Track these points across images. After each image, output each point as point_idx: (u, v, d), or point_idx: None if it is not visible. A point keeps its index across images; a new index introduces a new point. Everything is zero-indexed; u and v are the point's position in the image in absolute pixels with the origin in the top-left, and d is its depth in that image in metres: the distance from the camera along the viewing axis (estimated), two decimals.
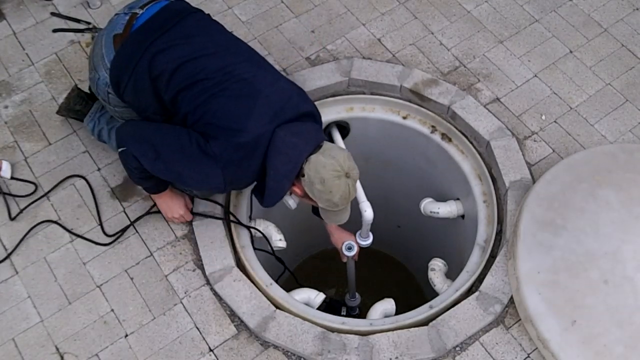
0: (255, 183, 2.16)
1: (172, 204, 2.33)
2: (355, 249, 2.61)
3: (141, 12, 2.09)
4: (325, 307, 2.65)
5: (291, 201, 2.60)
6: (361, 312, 3.11)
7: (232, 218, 2.38)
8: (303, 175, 2.02)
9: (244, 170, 2.03)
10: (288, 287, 2.40)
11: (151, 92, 2.05)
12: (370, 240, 2.68)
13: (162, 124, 2.11)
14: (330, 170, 1.99)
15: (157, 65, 2.01)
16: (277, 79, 2.11)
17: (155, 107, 2.10)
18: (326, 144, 2.08)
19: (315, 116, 2.16)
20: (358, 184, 2.47)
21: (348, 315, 3.04)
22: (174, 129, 2.06)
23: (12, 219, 2.37)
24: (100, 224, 2.37)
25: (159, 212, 2.38)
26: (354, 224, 2.64)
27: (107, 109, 2.28)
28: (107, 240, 2.34)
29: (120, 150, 2.09)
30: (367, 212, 2.46)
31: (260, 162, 2.02)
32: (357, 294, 3.07)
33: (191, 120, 2.03)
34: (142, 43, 2.02)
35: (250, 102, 1.99)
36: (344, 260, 2.70)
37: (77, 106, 2.51)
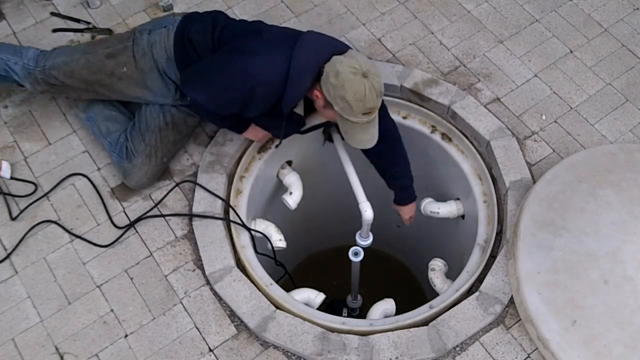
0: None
1: (257, 131, 2.48)
2: (362, 255, 2.62)
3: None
4: (326, 308, 2.65)
5: (291, 201, 2.60)
6: (361, 313, 3.11)
7: (232, 218, 2.38)
8: (322, 75, 2.08)
9: (269, 62, 2.10)
10: (287, 288, 2.40)
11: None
12: (370, 240, 2.68)
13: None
14: (346, 66, 2.03)
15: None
16: None
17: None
18: (351, 51, 2.14)
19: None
20: (356, 182, 2.46)
21: (349, 316, 3.04)
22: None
23: (13, 219, 2.37)
24: (110, 218, 2.38)
25: (158, 215, 2.39)
26: (354, 224, 2.64)
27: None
28: (106, 242, 2.33)
29: (190, 103, 2.34)
30: (367, 212, 2.46)
31: (285, 56, 2.09)
32: (359, 295, 3.07)
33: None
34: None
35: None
36: (406, 217, 2.69)
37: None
